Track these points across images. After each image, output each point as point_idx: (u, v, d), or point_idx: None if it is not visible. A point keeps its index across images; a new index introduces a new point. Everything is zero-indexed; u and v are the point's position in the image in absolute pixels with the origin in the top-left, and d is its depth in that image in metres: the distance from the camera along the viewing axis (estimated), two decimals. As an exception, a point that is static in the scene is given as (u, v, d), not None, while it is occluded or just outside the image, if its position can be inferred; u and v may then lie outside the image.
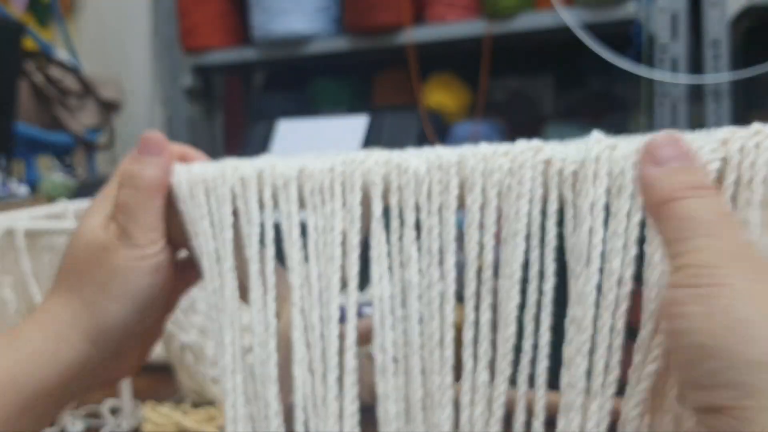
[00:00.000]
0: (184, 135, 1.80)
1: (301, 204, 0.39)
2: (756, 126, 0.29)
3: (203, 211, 0.41)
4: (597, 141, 0.32)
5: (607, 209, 0.31)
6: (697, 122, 1.58)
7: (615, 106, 1.74)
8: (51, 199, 1.16)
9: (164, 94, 1.87)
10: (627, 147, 0.31)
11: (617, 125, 1.81)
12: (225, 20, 1.74)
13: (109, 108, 1.61)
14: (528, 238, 0.32)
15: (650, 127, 1.46)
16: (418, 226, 0.35)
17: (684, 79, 1.36)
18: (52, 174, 1.38)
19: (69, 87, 1.50)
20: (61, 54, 1.58)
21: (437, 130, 1.54)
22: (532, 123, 1.71)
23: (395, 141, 1.67)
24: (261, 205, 0.40)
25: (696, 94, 1.42)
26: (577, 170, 0.31)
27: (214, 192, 0.41)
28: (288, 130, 1.50)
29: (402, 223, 0.35)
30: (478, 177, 0.33)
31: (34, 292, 0.62)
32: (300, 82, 1.86)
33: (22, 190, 1.26)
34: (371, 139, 1.43)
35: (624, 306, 0.30)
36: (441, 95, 1.72)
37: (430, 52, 1.62)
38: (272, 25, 1.68)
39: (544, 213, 0.32)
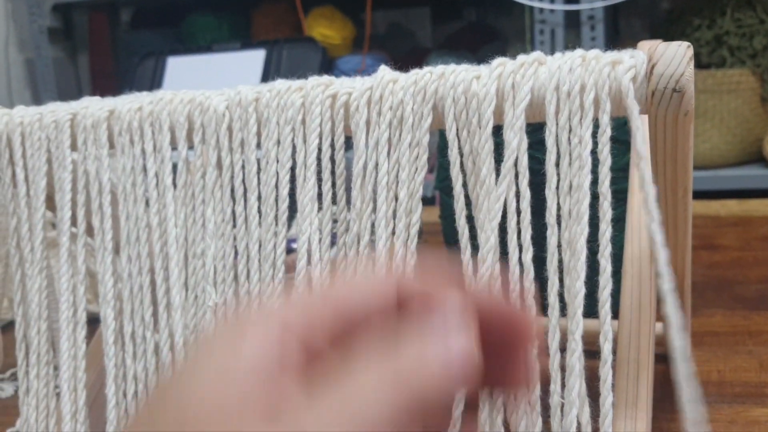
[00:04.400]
0: (48, 78, 1.71)
1: (112, 146, 0.39)
2: None
3: (16, 158, 0.40)
4: (381, 75, 0.33)
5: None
6: (573, 48, 1.64)
7: (492, 36, 1.77)
8: None
9: (21, 35, 1.76)
10: (406, 79, 0.33)
11: (496, 55, 1.85)
12: (86, -47, 1.64)
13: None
14: (320, 171, 0.34)
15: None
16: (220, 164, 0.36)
17: (561, 6, 1.41)
18: None
19: None
20: None
21: (323, 63, 1.53)
22: (414, 55, 1.72)
23: (295, 75, 1.62)
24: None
25: (573, 21, 1.47)
26: (360, 105, 0.33)
27: (29, 138, 0.40)
28: (178, 67, 1.43)
29: (206, 162, 0.36)
30: (272, 113, 0.34)
31: None
32: (171, 18, 1.79)
33: None
34: (270, 74, 1.38)
35: (415, 235, 0.33)
36: (324, 28, 1.70)
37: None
38: (139, -42, 1.60)
39: (333, 146, 0.34)
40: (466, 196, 0.31)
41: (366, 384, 0.21)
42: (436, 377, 0.21)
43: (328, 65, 1.60)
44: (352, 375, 0.21)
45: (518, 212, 0.30)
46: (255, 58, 1.37)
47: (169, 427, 0.20)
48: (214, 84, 0.38)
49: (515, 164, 0.30)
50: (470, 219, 0.32)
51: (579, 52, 0.31)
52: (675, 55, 0.29)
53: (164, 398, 0.21)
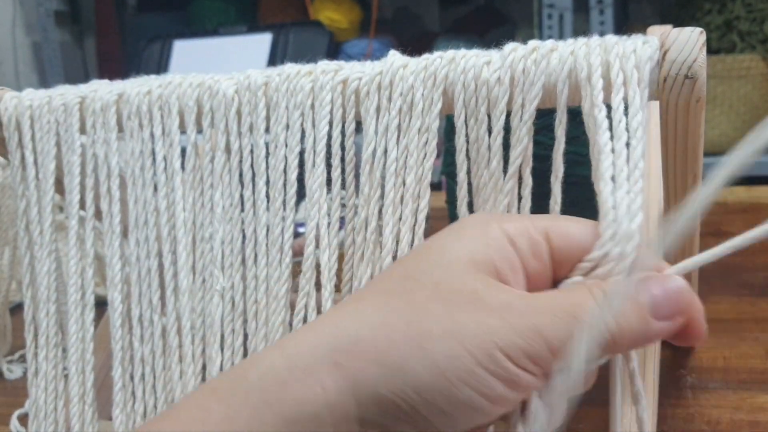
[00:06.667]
0: (55, 62, 1.71)
1: (121, 129, 0.39)
2: None
3: (25, 140, 0.40)
4: (390, 60, 0.33)
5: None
6: (582, 33, 1.63)
7: (500, 20, 1.76)
8: None
9: (28, 19, 1.76)
10: (416, 64, 0.32)
11: (504, 39, 1.84)
12: (92, -64, 1.64)
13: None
14: (329, 157, 0.34)
15: (539, 38, 1.49)
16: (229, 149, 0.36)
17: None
18: None
19: None
20: None
21: (329, 47, 1.52)
22: (421, 39, 1.71)
23: (302, 59, 1.61)
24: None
25: (582, 5, 1.46)
26: (370, 91, 0.33)
27: (38, 121, 0.40)
28: (185, 51, 1.43)
29: (214, 146, 0.36)
30: (282, 97, 0.34)
31: None
32: (178, 1, 1.78)
33: None
34: (277, 58, 1.38)
35: (422, 221, 0.32)
36: (331, 12, 1.69)
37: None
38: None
39: (343, 133, 0.34)
40: (470, 183, 0.31)
41: (549, 301, 0.24)
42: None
43: (334, 49, 1.59)
44: (548, 294, 0.25)
45: (519, 198, 0.30)
46: (261, 41, 1.36)
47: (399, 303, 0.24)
48: (220, 68, 0.38)
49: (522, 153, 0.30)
50: (472, 205, 0.32)
51: (594, 38, 0.30)
52: (688, 41, 0.29)
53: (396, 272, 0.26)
